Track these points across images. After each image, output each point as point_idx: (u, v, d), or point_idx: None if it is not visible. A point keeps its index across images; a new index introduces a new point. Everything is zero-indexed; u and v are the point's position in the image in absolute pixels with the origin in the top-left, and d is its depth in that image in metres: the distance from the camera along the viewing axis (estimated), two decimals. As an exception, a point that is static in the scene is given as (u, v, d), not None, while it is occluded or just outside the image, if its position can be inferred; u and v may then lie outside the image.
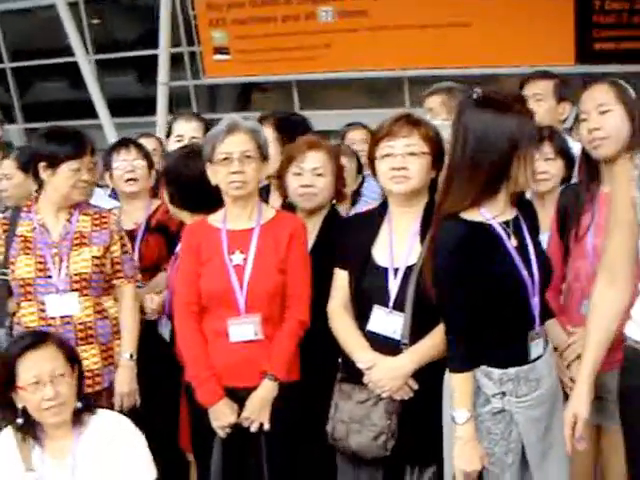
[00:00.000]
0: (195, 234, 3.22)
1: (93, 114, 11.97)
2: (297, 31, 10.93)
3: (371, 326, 2.96)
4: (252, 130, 3.17)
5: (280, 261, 3.11)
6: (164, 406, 3.66)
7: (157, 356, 3.59)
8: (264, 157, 3.18)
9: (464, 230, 2.58)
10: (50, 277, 3.34)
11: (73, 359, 2.80)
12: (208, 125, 4.25)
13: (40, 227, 3.41)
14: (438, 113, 4.46)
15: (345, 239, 3.14)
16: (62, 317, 3.31)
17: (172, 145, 4.34)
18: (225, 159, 3.09)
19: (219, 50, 11.55)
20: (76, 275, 3.35)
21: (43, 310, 3.33)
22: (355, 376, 2.97)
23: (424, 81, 10.22)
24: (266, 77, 11.69)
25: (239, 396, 3.09)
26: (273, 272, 3.10)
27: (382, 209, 3.09)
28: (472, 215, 2.61)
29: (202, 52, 11.72)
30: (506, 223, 2.65)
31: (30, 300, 3.36)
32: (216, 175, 3.14)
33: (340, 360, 3.09)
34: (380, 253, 3.00)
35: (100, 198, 4.26)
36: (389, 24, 10.47)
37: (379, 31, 10.52)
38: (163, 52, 11.45)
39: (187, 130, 4.36)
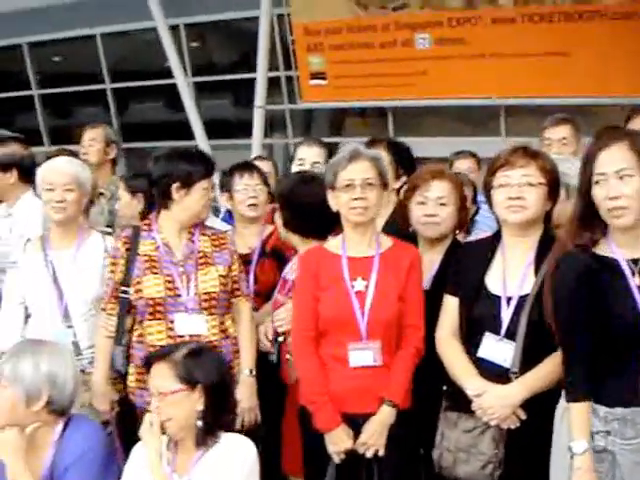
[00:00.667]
0: (313, 260, 3.25)
1: (189, 136, 12.10)
2: (394, 57, 10.90)
3: (481, 353, 2.97)
4: (374, 158, 3.20)
5: (400, 289, 3.14)
6: (269, 429, 3.67)
7: (263, 378, 3.60)
8: (385, 185, 3.21)
9: (588, 262, 2.57)
10: (179, 296, 3.38)
11: (192, 381, 2.78)
12: (331, 151, 4.27)
13: (164, 246, 3.45)
14: (569, 143, 4.45)
15: (457, 266, 3.15)
16: (191, 336, 3.32)
17: (295, 169, 4.40)
18: (347, 185, 3.13)
19: (316, 75, 11.58)
20: (205, 294, 3.39)
21: (171, 329, 3.36)
22: (460, 404, 2.98)
23: (521, 110, 10.19)
24: (362, 103, 11.70)
25: (355, 422, 3.11)
26: (393, 300, 3.12)
27: (496, 238, 3.10)
28: (600, 249, 2.60)
29: (299, 77, 11.76)
30: (634, 261, 2.61)
31: (159, 319, 3.38)
32: (337, 201, 3.18)
33: (445, 388, 3.09)
34: (493, 281, 3.01)
35: (212, 221, 4.33)
36: (486, 52, 10.39)
37: (476, 59, 10.44)
38: (260, 76, 11.52)
39: (309, 155, 4.41)
